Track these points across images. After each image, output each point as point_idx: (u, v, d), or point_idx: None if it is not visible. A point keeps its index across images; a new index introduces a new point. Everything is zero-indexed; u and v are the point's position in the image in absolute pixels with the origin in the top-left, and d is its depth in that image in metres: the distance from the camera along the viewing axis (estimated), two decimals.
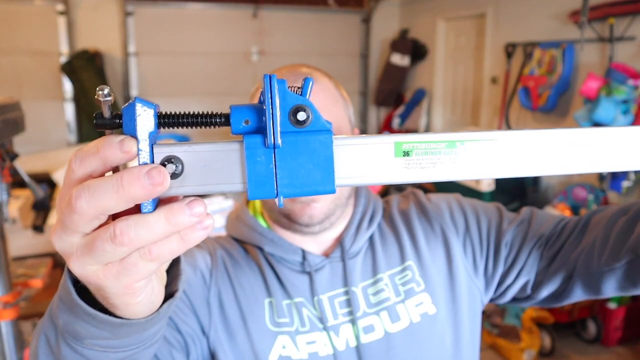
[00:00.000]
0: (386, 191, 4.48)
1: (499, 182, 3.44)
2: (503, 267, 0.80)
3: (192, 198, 0.35)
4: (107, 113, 0.35)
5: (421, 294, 0.80)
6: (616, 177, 2.92)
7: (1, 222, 1.44)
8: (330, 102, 0.77)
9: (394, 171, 0.38)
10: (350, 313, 0.77)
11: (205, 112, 0.37)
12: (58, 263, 3.06)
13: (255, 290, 0.77)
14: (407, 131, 5.26)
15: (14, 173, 1.49)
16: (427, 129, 5.17)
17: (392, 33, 5.53)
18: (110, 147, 0.34)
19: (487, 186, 3.40)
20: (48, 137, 4.56)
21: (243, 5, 5.05)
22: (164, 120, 0.36)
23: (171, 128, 0.37)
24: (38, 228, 2.81)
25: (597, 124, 2.94)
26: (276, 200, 0.37)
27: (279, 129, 0.35)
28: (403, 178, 0.38)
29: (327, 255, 0.82)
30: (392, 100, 5.46)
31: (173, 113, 0.37)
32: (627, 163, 0.41)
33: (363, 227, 0.83)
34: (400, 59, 5.21)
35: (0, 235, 1.45)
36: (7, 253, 1.47)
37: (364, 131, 5.76)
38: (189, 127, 0.37)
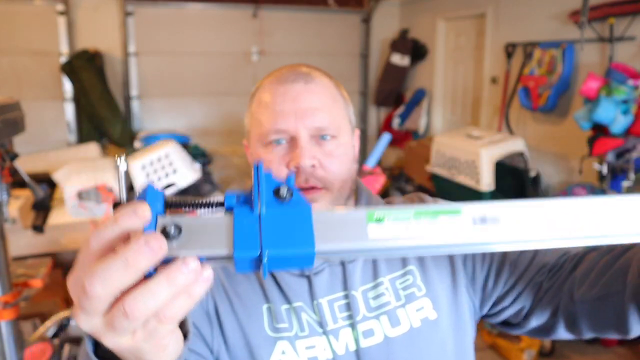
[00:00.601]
0: (386, 192, 4.48)
1: (499, 182, 3.44)
2: (503, 287, 0.79)
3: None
4: (124, 197, 0.43)
5: (422, 299, 0.79)
6: (616, 177, 2.92)
7: (1, 222, 1.44)
8: (330, 102, 0.77)
9: (369, 236, 0.42)
10: (350, 317, 0.76)
11: (205, 201, 0.44)
12: (58, 263, 3.07)
13: (253, 298, 0.77)
14: (407, 131, 5.27)
15: (14, 173, 1.49)
16: (427, 129, 5.17)
17: (392, 33, 5.53)
18: (128, 215, 0.38)
19: (486, 186, 3.40)
20: (48, 137, 4.56)
21: (243, 5, 5.05)
22: (170, 203, 0.43)
23: (176, 209, 0.44)
24: (38, 228, 2.81)
25: (597, 124, 2.94)
26: (261, 273, 0.40)
27: (264, 200, 0.42)
28: (378, 244, 0.41)
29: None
30: (392, 100, 5.46)
31: (177, 200, 0.43)
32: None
33: None
34: (400, 59, 5.21)
35: (0, 235, 1.45)
36: (7, 253, 1.47)
37: (364, 131, 5.76)
38: (192, 209, 0.44)
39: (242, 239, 0.40)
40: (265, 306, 0.76)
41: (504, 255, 0.80)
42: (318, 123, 0.74)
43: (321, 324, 0.75)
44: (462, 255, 0.82)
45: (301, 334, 0.75)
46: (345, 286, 0.78)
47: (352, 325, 0.76)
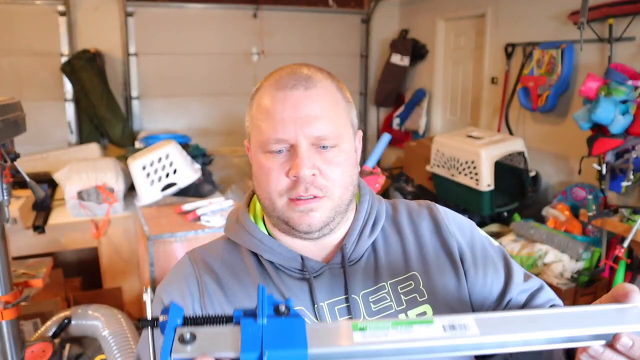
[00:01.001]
0: (386, 192, 4.48)
1: (499, 182, 3.44)
2: None
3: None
4: (149, 316, 0.50)
5: (424, 305, 0.79)
6: (615, 177, 2.92)
7: (2, 222, 1.45)
8: (331, 107, 0.76)
9: (354, 341, 0.50)
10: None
11: (216, 315, 0.51)
12: (58, 263, 3.07)
13: (252, 304, 0.77)
14: (407, 131, 5.27)
15: (15, 173, 1.50)
16: (427, 129, 5.17)
17: (392, 33, 5.53)
18: None
19: (486, 186, 3.40)
20: (49, 138, 4.56)
21: (243, 6, 5.05)
22: (187, 319, 0.51)
23: (195, 325, 0.51)
24: (38, 228, 2.82)
25: (596, 124, 2.94)
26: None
27: (266, 314, 0.50)
28: (362, 347, 0.50)
29: (327, 261, 0.81)
30: (392, 101, 5.46)
31: (194, 316, 0.51)
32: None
33: (365, 234, 0.82)
34: (400, 59, 5.21)
35: (0, 235, 1.46)
36: (7, 253, 1.47)
37: (364, 131, 5.74)
38: (206, 323, 0.51)
39: (247, 343, 0.48)
40: None
41: (502, 292, 0.82)
42: (318, 132, 0.73)
43: None
44: (464, 272, 0.83)
45: None
46: (346, 290, 0.78)
47: None
